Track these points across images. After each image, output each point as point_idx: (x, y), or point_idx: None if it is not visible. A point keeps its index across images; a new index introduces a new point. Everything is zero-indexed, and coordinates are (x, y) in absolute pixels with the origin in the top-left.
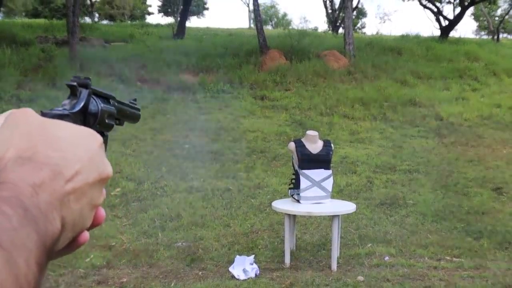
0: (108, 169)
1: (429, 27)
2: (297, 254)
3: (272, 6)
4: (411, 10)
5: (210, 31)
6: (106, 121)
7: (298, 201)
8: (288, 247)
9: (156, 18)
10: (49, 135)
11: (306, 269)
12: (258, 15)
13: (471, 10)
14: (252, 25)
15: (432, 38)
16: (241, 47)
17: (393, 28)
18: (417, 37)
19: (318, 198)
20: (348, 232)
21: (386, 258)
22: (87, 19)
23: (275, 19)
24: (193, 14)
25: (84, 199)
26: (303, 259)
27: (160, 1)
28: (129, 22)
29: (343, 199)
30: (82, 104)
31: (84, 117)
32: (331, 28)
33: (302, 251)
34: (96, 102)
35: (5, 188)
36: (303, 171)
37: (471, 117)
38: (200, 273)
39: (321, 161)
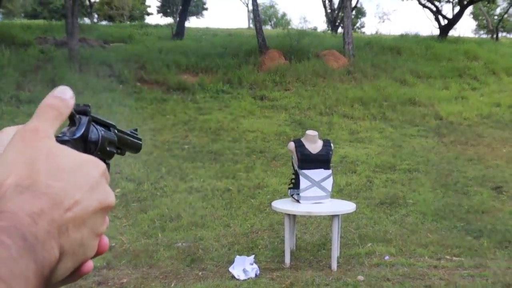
0: (110, 198)
1: (428, 27)
2: (297, 254)
3: (271, 6)
4: (410, 9)
5: (209, 31)
6: (107, 148)
7: (298, 201)
8: (288, 247)
9: (155, 18)
10: (52, 164)
11: (306, 269)
12: (257, 15)
13: (470, 9)
14: (251, 25)
15: (431, 37)
16: (240, 47)
17: (392, 28)
18: (416, 37)
19: (318, 198)
20: (348, 232)
21: (386, 257)
22: (86, 20)
23: (274, 19)
24: (192, 14)
25: (84, 228)
26: (303, 259)
27: (159, 2)
28: (128, 22)
29: (343, 199)
30: (82, 130)
31: (84, 144)
32: (330, 28)
33: (302, 251)
34: (96, 129)
35: (3, 217)
36: (303, 171)
37: (470, 116)
38: (200, 273)
39: (320, 161)
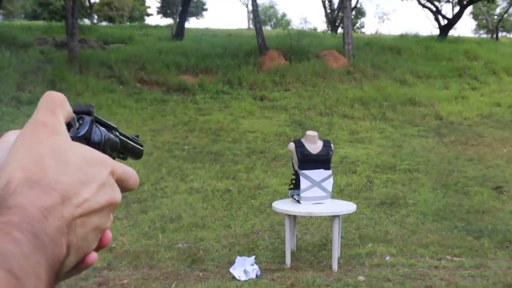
0: (117, 196)
1: (428, 26)
2: (298, 254)
3: (271, 7)
4: (410, 9)
5: (209, 32)
6: (109, 151)
7: (298, 201)
8: (288, 248)
9: (155, 19)
10: (60, 158)
11: (307, 269)
12: (257, 16)
13: (470, 9)
14: (251, 26)
15: (431, 37)
16: (240, 47)
17: (392, 28)
18: (416, 37)
19: (318, 198)
20: (348, 232)
21: (387, 258)
22: (86, 21)
23: (274, 20)
24: (192, 15)
25: (90, 224)
26: (304, 259)
27: (159, 3)
28: (128, 23)
29: (343, 199)
30: (86, 129)
31: (87, 144)
32: (330, 28)
33: (302, 252)
34: (99, 130)
35: (15, 212)
36: (303, 171)
37: (470, 116)
38: (201, 274)
39: (321, 161)
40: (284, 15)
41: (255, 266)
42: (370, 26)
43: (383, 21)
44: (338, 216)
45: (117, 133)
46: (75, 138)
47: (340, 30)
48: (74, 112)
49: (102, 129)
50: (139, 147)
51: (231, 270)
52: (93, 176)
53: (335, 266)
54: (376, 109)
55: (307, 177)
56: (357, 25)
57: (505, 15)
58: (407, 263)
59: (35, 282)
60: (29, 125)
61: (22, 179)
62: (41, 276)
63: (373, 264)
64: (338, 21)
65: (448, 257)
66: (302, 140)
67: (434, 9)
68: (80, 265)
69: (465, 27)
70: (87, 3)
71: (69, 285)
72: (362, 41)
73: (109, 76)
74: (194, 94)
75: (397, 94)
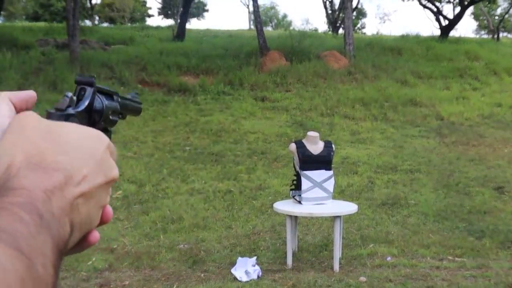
0: (114, 172)
1: (429, 27)
2: (299, 255)
3: (272, 7)
4: (410, 10)
5: (210, 33)
6: (111, 117)
7: (299, 202)
8: (290, 248)
9: (156, 20)
10: (55, 139)
11: (308, 270)
12: (258, 16)
13: (470, 9)
14: (252, 26)
15: (432, 38)
16: (241, 48)
17: (393, 28)
18: (417, 37)
19: (319, 199)
20: (350, 233)
21: (388, 258)
22: (87, 22)
23: (275, 20)
24: (193, 16)
25: (91, 202)
26: (305, 260)
27: (160, 4)
28: (129, 24)
29: (344, 200)
30: (87, 102)
31: (89, 115)
32: (331, 29)
33: (304, 252)
34: (100, 99)
35: (20, 194)
36: (304, 172)
37: (472, 116)
38: (202, 275)
39: (322, 162)
40: (285, 16)
41: (257, 267)
42: (371, 26)
43: (384, 22)
44: (339, 216)
45: (118, 98)
46: (76, 113)
47: (341, 30)
48: (77, 82)
49: (103, 97)
50: (138, 105)
51: (232, 271)
52: (90, 152)
53: (336, 267)
54: (377, 109)
55: (308, 178)
56: (358, 25)
57: (506, 16)
58: (409, 263)
59: (43, 260)
60: (16, 117)
61: (23, 162)
62: (48, 254)
63: (375, 264)
64: (339, 22)
65: (450, 258)
66: (303, 141)
67: (435, 9)
68: (83, 243)
69: (466, 27)
70: (88, 4)
71: (70, 287)
72: (363, 42)
73: (110, 77)
74: (195, 95)
75: (398, 95)
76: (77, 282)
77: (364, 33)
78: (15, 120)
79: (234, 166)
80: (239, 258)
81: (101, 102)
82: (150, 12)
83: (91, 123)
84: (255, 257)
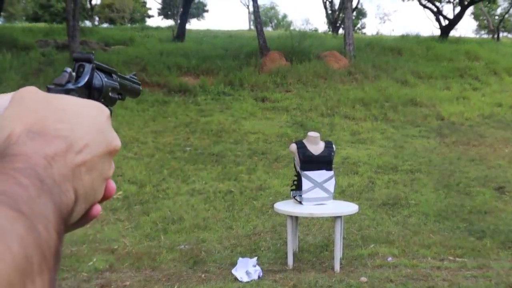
0: (116, 141)
1: (429, 27)
2: (300, 255)
3: (272, 8)
4: (410, 10)
5: (210, 33)
6: (110, 95)
7: (300, 202)
8: (290, 249)
9: (156, 21)
10: (55, 108)
11: (309, 270)
12: (258, 17)
13: (470, 9)
14: (252, 27)
15: (432, 38)
16: (241, 48)
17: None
18: (417, 37)
19: (320, 199)
20: (350, 233)
21: (389, 258)
22: (87, 23)
23: (275, 21)
24: (193, 16)
25: (94, 171)
26: (306, 260)
27: (160, 4)
28: (129, 25)
29: (345, 200)
30: (86, 78)
31: (88, 92)
32: (331, 29)
33: (305, 253)
34: (100, 76)
35: (19, 160)
36: (305, 172)
37: (472, 116)
38: (203, 275)
39: (322, 162)
40: (285, 16)
41: (257, 268)
42: (371, 26)
43: (384, 22)
44: (340, 217)
45: (117, 77)
46: (76, 88)
47: (341, 31)
48: (75, 59)
49: (102, 75)
50: (137, 86)
51: (233, 271)
52: (91, 121)
53: (337, 267)
54: (378, 109)
55: (309, 178)
56: (358, 26)
57: (506, 16)
58: (409, 263)
59: (45, 223)
60: (15, 93)
61: (23, 131)
62: (50, 218)
63: (375, 265)
64: (339, 22)
65: (451, 258)
66: (304, 141)
67: (435, 9)
68: (86, 216)
69: (466, 27)
70: (88, 5)
71: (71, 287)
72: (363, 42)
73: None
74: (196, 96)
75: (398, 95)
76: (78, 283)
77: (364, 33)
78: (16, 94)
79: (235, 167)
80: (240, 258)
81: (100, 79)
82: (150, 12)
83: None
84: (255, 258)
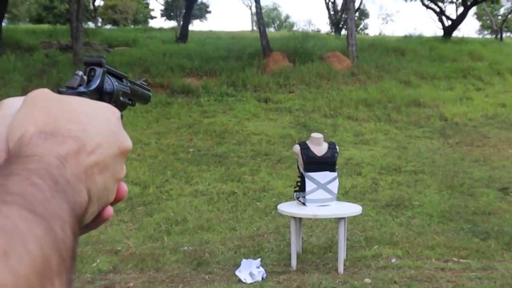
0: (127, 142)
1: (432, 27)
2: (304, 257)
3: (275, 9)
4: (413, 10)
5: (213, 34)
6: (121, 99)
7: (303, 203)
8: (294, 250)
9: (159, 22)
10: (67, 110)
11: (313, 272)
12: (261, 18)
13: (473, 9)
14: (254, 28)
15: (435, 38)
16: (244, 50)
17: (396, 29)
18: (420, 38)
19: (323, 200)
20: (354, 234)
21: (393, 260)
22: (91, 24)
23: (278, 22)
24: (196, 17)
25: (106, 172)
26: (310, 262)
27: (163, 5)
28: (132, 26)
29: (348, 201)
30: (98, 82)
31: (99, 96)
32: (333, 30)
33: (308, 254)
34: (111, 80)
35: (32, 160)
36: (309, 173)
37: (475, 117)
38: (207, 277)
39: (326, 163)
40: (287, 17)
41: (261, 269)
42: (373, 27)
43: (386, 22)
44: (343, 218)
45: (127, 82)
46: (88, 91)
47: (343, 31)
48: (86, 63)
49: (113, 79)
50: (147, 92)
51: (237, 272)
52: (103, 122)
53: (341, 269)
54: (381, 110)
55: (312, 179)
56: (361, 26)
57: (509, 16)
58: (413, 265)
59: (61, 223)
60: (26, 96)
61: (35, 132)
62: (65, 218)
63: (379, 266)
64: (342, 23)
65: (455, 259)
66: (307, 142)
67: (438, 10)
68: (98, 218)
69: (469, 27)
70: (92, 7)
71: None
72: (366, 43)
73: None
74: (199, 97)
75: (402, 96)
76: (81, 284)
77: (367, 34)
78: (28, 96)
79: (238, 168)
80: (244, 260)
81: (111, 83)
82: (152, 14)
83: None
84: (259, 259)
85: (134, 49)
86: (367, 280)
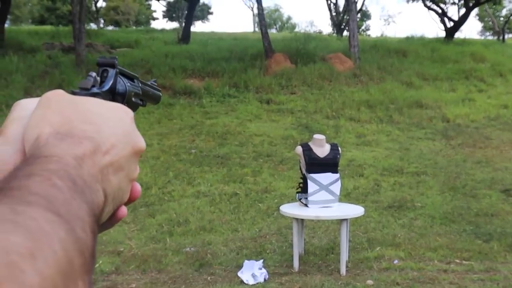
0: (141, 142)
1: (434, 29)
2: (306, 258)
3: (276, 10)
4: (415, 11)
5: (215, 36)
6: (133, 100)
7: (306, 205)
8: (296, 251)
9: (161, 23)
10: (81, 110)
11: (315, 273)
12: (263, 19)
13: (475, 11)
14: (256, 29)
15: (437, 40)
16: (246, 51)
17: (398, 30)
18: (422, 39)
19: (326, 202)
20: (356, 236)
21: (395, 261)
22: (93, 25)
23: (279, 23)
24: (198, 18)
25: (121, 172)
26: (312, 263)
27: (165, 7)
28: (134, 27)
29: (350, 203)
30: (111, 83)
31: (112, 96)
32: (335, 31)
33: (310, 255)
34: (123, 81)
35: (52, 161)
36: (311, 175)
37: (478, 118)
38: (209, 278)
39: (328, 164)
40: (289, 18)
41: (263, 270)
42: (375, 28)
43: (388, 24)
44: (346, 219)
45: (139, 82)
46: (101, 92)
47: (345, 33)
48: (98, 64)
49: (125, 80)
50: (158, 92)
51: (239, 274)
52: (116, 123)
53: (343, 270)
54: (383, 111)
55: (314, 181)
56: (363, 27)
57: (511, 17)
58: (416, 266)
59: (81, 224)
60: (41, 97)
61: (51, 133)
62: (85, 219)
63: (382, 267)
64: (344, 24)
65: (457, 261)
66: (310, 143)
67: (440, 11)
68: (113, 218)
69: (471, 29)
70: (94, 8)
71: None
72: (368, 44)
73: None
74: (201, 98)
75: (404, 97)
76: None
77: (369, 35)
78: (42, 97)
79: (240, 169)
80: (246, 261)
81: (123, 84)
82: (155, 15)
83: None
84: (261, 260)
85: (136, 50)
86: (370, 282)
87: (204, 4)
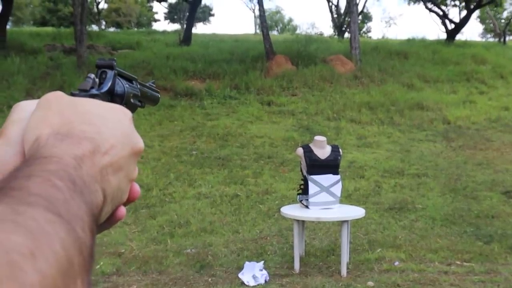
0: (140, 143)
1: (435, 31)
2: (307, 259)
3: (278, 12)
4: (416, 13)
5: (216, 37)
6: (132, 101)
7: (306, 206)
8: (297, 253)
9: (162, 25)
10: (81, 111)
11: (316, 274)
12: (264, 21)
13: (477, 13)
14: (258, 31)
15: (438, 42)
16: (247, 53)
17: (399, 32)
18: (423, 41)
19: (326, 203)
20: (357, 237)
21: (396, 263)
22: (94, 27)
23: (281, 25)
24: (199, 20)
25: (120, 173)
26: (313, 264)
27: (166, 8)
28: (135, 29)
29: (351, 204)
30: (109, 84)
31: (111, 98)
32: (336, 33)
33: (311, 257)
34: (121, 83)
35: (51, 161)
36: (312, 176)
37: (478, 120)
38: (210, 279)
39: (329, 166)
40: (290, 20)
41: (264, 271)
42: (376, 30)
43: (389, 26)
44: (346, 221)
45: (137, 83)
46: (100, 94)
47: (347, 34)
48: (97, 66)
49: (124, 81)
50: (156, 93)
51: (240, 275)
52: (115, 123)
53: (344, 272)
54: (384, 113)
55: (315, 182)
56: (364, 29)
57: None
58: (417, 268)
59: (81, 224)
60: (41, 98)
61: (51, 134)
62: (85, 219)
63: (382, 269)
64: (345, 26)
65: (458, 262)
66: (310, 145)
67: (441, 13)
68: (111, 218)
69: (472, 31)
70: (95, 9)
71: None
72: (369, 46)
73: None
74: (202, 99)
75: (405, 99)
76: None
77: (370, 37)
78: (42, 98)
79: (241, 171)
80: (247, 262)
81: (122, 85)
82: (156, 17)
83: None
84: (262, 262)
85: (137, 51)
86: (370, 283)
87: (205, 6)
